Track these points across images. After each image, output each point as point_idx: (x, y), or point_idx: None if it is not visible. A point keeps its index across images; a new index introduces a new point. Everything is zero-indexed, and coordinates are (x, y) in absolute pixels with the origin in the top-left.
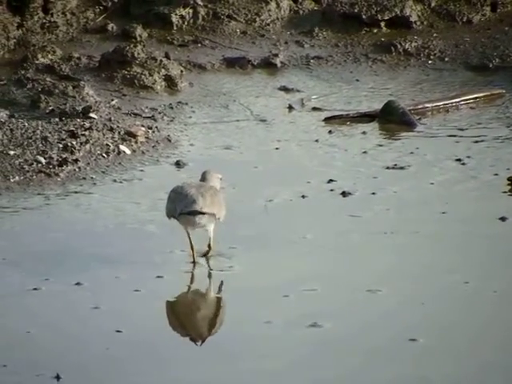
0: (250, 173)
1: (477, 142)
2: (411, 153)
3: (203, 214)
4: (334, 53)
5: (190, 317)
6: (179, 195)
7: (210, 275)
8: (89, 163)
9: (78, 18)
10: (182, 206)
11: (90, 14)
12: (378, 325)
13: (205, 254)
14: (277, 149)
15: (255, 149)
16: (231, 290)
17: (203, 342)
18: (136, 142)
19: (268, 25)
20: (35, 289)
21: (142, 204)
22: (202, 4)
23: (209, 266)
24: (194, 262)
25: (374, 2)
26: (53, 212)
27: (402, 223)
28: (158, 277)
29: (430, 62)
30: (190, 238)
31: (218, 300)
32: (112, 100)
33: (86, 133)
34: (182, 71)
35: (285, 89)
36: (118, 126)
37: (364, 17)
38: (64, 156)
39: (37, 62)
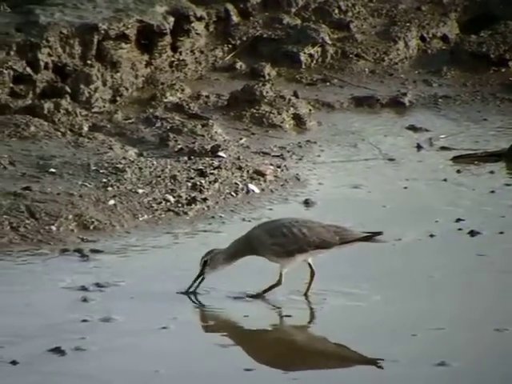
0: (378, 212)
1: None
2: None
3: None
4: (462, 92)
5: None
6: (323, 227)
7: (339, 312)
8: (217, 202)
9: (207, 56)
10: (346, 234)
11: (219, 53)
12: (505, 364)
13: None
14: (405, 188)
15: (383, 188)
16: (359, 328)
17: None
18: (265, 181)
19: (396, 64)
20: (164, 327)
21: None
22: (330, 43)
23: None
24: (306, 295)
25: (501, 41)
26: (182, 251)
27: None
28: (287, 316)
29: None
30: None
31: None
32: (241, 139)
33: (215, 171)
34: (310, 110)
35: (413, 128)
36: (246, 165)
37: (492, 56)
38: (193, 195)
39: (165, 100)
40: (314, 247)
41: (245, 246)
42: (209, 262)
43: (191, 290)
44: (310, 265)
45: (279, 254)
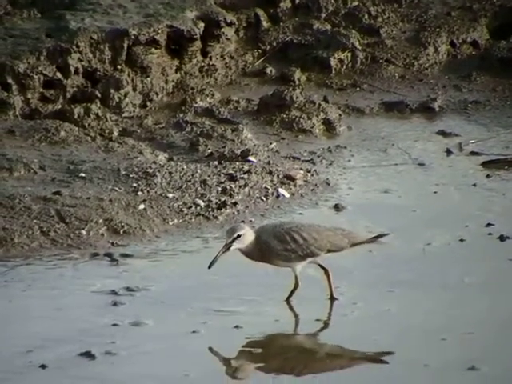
0: (409, 216)
1: None
2: None
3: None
4: (492, 97)
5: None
6: (330, 230)
7: (369, 317)
8: (247, 206)
9: (237, 61)
10: (354, 236)
11: (249, 58)
12: None
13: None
14: (435, 192)
15: (413, 192)
16: (389, 331)
17: None
18: (295, 186)
19: (426, 69)
20: (194, 331)
21: None
22: (360, 48)
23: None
24: (332, 298)
25: None
26: (212, 255)
27: None
28: (316, 320)
29: None
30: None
31: None
32: (271, 143)
33: (245, 176)
34: (340, 115)
35: (443, 133)
36: (276, 170)
37: None
38: (223, 199)
39: (195, 105)
40: (325, 251)
41: (254, 247)
42: (242, 236)
43: (215, 261)
44: (320, 265)
45: (290, 259)
